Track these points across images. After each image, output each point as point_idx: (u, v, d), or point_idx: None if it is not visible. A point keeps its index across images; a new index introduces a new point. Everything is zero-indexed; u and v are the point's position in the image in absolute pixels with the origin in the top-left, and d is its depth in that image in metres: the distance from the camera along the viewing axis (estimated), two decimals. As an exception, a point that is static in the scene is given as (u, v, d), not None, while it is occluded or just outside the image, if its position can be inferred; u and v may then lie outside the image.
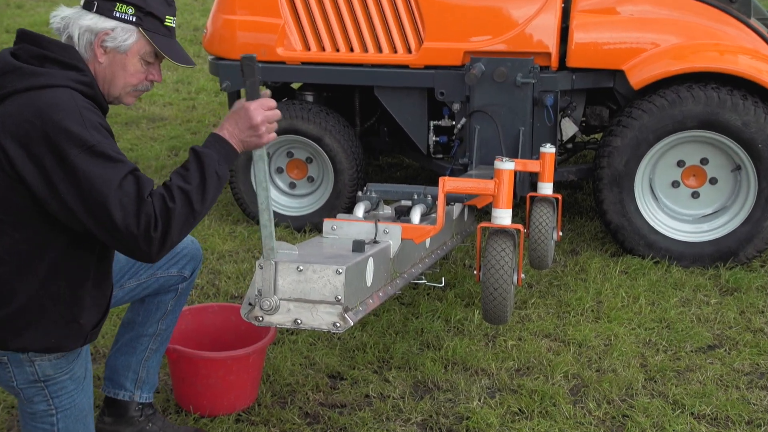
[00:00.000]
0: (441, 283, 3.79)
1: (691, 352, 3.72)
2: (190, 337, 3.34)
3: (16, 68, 2.24)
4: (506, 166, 3.09)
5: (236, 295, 4.23)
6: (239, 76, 4.90)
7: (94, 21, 2.34)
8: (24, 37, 2.34)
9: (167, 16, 2.43)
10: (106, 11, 2.35)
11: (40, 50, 2.29)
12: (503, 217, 3.10)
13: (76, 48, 2.34)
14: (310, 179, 5.14)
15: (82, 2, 2.39)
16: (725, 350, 3.73)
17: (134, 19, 2.37)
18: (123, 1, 2.36)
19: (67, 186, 2.16)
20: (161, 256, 2.24)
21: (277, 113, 2.41)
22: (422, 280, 3.53)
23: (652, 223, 4.63)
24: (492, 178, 3.21)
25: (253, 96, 2.37)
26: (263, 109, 2.37)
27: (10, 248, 2.24)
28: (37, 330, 2.30)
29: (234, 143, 2.37)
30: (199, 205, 2.25)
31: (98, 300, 2.42)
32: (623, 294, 4.23)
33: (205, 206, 2.28)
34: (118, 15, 2.35)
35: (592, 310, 4.09)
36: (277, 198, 5.15)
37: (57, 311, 2.31)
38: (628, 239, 4.64)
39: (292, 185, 5.16)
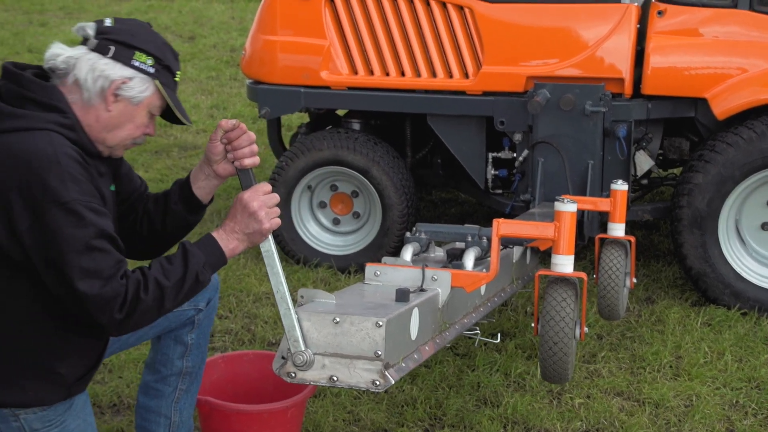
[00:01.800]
0: (496, 339, 3.81)
1: (784, 416, 3.69)
2: (223, 388, 3.40)
3: None
4: (567, 207, 3.11)
5: (274, 341, 4.30)
6: (280, 102, 5.07)
7: (110, 66, 2.41)
8: (6, 74, 2.42)
9: (177, 71, 2.55)
10: (123, 58, 2.42)
11: (20, 90, 2.37)
12: (564, 264, 3.13)
13: (82, 91, 2.41)
14: (356, 215, 5.22)
15: (91, 44, 2.43)
16: (822, 415, 3.69)
17: (152, 70, 2.46)
18: (143, 50, 2.44)
19: (30, 238, 2.27)
20: (115, 334, 2.41)
21: (275, 197, 2.56)
22: (476, 331, 3.56)
23: (738, 270, 4.61)
24: (557, 217, 3.23)
25: (247, 183, 2.57)
26: (259, 194, 2.52)
27: None
28: (12, 384, 2.39)
29: (232, 242, 2.51)
30: (170, 302, 2.40)
31: (83, 350, 2.52)
32: (706, 348, 4.20)
33: (176, 304, 2.43)
34: (136, 64, 2.44)
35: (671, 366, 4.07)
36: (320, 235, 5.24)
37: (32, 362, 2.40)
38: (712, 287, 4.61)
39: (336, 221, 5.24)
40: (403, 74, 4.95)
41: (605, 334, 4.37)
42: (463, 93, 4.87)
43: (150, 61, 2.46)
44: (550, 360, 3.10)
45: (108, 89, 2.42)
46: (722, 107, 4.49)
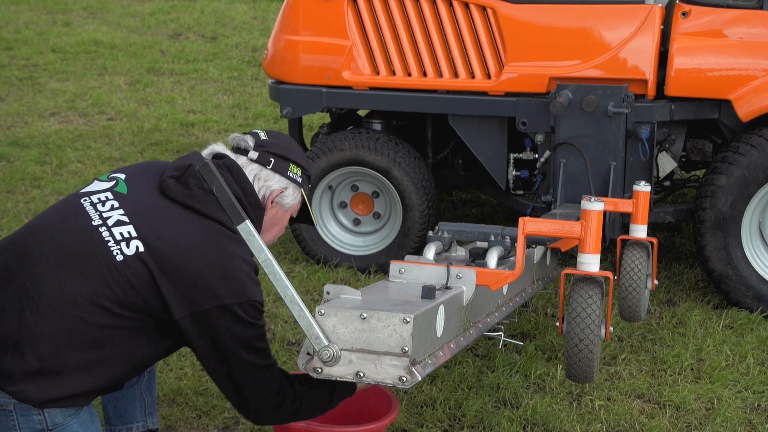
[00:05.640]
0: (521, 342, 3.79)
1: (806, 420, 3.64)
2: None
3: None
4: (594, 206, 3.09)
5: (293, 341, 4.29)
6: (302, 101, 5.06)
7: (270, 176, 2.71)
8: (230, 169, 2.65)
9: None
10: (281, 170, 2.72)
11: (241, 194, 2.63)
12: (590, 263, 3.10)
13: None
14: (377, 215, 5.20)
15: (253, 155, 2.70)
16: None
17: (301, 180, 2.77)
18: (296, 163, 2.76)
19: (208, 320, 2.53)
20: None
21: None
22: (500, 331, 3.54)
23: (761, 273, 4.56)
24: (578, 218, 3.21)
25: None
26: None
27: (110, 341, 2.49)
28: (72, 398, 2.50)
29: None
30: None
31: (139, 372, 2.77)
32: (728, 352, 4.16)
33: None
34: (291, 175, 2.74)
35: (692, 369, 4.04)
36: (340, 235, 5.22)
37: (99, 390, 2.56)
38: (734, 290, 4.57)
39: (357, 221, 5.22)
40: (425, 74, 4.93)
41: (626, 336, 4.33)
42: (485, 93, 4.85)
43: (299, 172, 2.77)
44: (576, 358, 3.08)
45: (269, 197, 2.72)
46: (746, 109, 4.45)
